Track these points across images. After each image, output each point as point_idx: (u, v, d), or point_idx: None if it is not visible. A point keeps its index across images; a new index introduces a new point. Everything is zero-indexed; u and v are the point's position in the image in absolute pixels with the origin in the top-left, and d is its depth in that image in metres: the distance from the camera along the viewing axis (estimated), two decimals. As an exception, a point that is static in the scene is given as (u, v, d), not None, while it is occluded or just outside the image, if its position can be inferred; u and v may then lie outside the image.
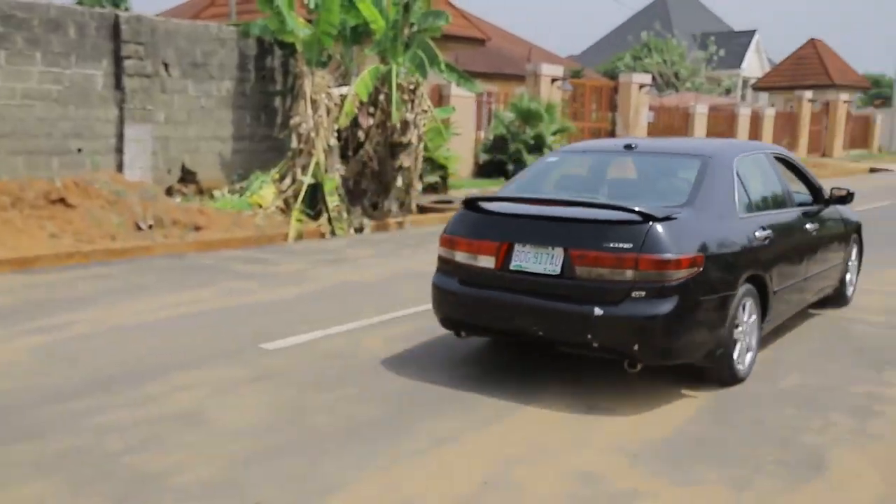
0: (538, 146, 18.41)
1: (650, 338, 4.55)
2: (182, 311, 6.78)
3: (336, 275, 8.55)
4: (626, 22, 53.79)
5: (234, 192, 12.31)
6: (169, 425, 4.29)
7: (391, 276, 8.48)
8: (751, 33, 50.83)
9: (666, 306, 4.50)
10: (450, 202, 14.15)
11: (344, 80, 13.12)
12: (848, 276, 7.24)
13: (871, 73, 53.84)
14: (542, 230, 4.87)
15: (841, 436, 4.35)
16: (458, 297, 5.10)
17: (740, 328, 5.05)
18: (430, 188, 15.02)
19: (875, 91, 51.33)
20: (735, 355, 5.02)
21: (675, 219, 4.68)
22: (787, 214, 5.90)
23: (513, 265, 4.87)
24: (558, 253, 4.72)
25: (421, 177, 13.72)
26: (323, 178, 11.85)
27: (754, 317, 5.23)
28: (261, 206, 11.74)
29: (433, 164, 15.14)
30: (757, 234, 5.21)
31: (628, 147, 5.77)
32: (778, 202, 5.88)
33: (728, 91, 43.64)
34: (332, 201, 11.84)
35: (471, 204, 5.26)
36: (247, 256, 9.54)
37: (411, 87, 12.85)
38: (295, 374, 5.19)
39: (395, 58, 12.79)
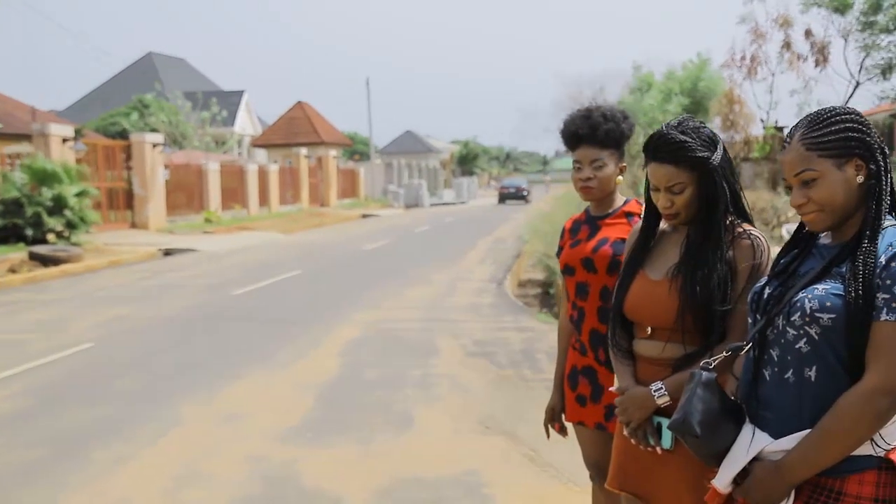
0: (59, 208, 17.94)
1: None
2: None
3: None
4: (114, 78, 52.65)
5: None
6: None
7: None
8: (240, 93, 53.51)
9: None
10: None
11: None
12: None
13: (349, 132, 61.30)
14: None
15: (418, 401, 5.96)
16: None
17: None
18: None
19: (354, 147, 58.73)
20: None
21: None
22: None
23: None
24: None
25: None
26: None
27: None
28: None
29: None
30: None
31: None
32: None
33: (224, 145, 45.59)
34: None
35: None
36: None
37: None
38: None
39: None
